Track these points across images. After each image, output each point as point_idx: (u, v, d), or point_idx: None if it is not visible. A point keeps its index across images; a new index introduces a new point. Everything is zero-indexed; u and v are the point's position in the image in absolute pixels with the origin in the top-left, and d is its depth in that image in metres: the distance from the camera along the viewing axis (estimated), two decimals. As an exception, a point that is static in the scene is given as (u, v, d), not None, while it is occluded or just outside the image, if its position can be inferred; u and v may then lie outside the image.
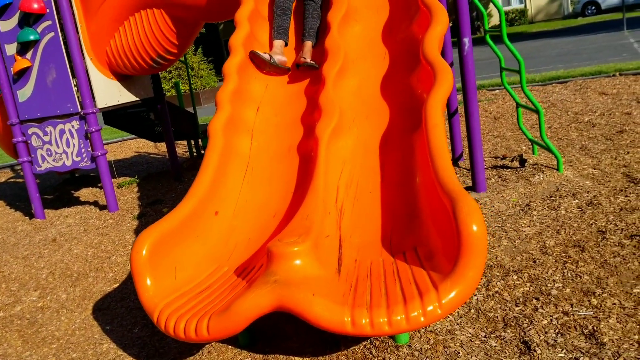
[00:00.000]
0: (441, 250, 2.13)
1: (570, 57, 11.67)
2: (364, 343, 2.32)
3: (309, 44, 3.50)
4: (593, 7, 27.47)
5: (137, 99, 5.63)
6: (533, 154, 4.69)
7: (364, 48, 3.29)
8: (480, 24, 28.03)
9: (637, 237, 2.90)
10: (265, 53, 3.43)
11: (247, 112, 3.21)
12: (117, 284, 3.54)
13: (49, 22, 5.02)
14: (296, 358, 2.32)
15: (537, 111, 4.11)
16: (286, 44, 3.60)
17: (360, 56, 3.25)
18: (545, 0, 30.86)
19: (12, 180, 8.32)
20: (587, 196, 3.60)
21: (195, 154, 7.43)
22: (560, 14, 30.73)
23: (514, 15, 30.31)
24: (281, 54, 3.51)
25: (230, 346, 2.47)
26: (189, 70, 15.28)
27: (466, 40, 3.75)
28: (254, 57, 3.43)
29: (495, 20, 31.19)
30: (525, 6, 30.85)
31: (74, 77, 5.07)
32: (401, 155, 2.78)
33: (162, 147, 8.90)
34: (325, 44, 3.22)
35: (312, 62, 3.38)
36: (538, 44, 16.35)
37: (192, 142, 7.40)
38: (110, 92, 5.30)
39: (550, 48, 14.54)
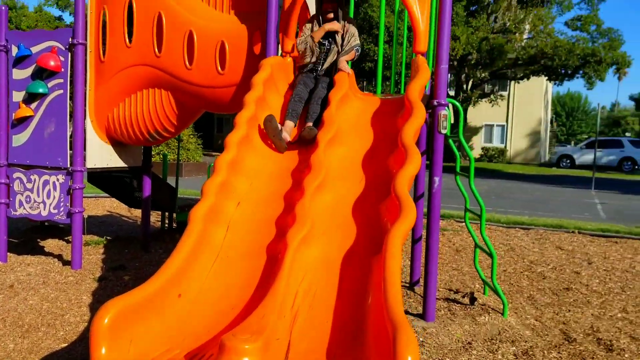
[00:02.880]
0: (377, 373, 2.31)
1: (537, 205, 12.31)
2: None
3: (309, 124, 3.98)
4: (568, 161, 29.09)
5: (125, 165, 5.88)
6: (484, 294, 4.96)
7: (345, 168, 3.62)
8: (464, 155, 29.34)
9: (561, 393, 3.12)
10: (279, 124, 3.89)
11: (229, 204, 3.46)
12: (66, 344, 3.59)
13: (60, 80, 5.33)
14: None
15: (491, 255, 4.43)
16: (295, 126, 4.03)
17: (339, 175, 3.57)
18: (525, 145, 32.64)
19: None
20: (525, 346, 3.84)
21: (167, 226, 7.59)
22: (537, 160, 32.42)
23: (494, 152, 31.88)
24: (288, 133, 3.96)
25: None
26: (175, 142, 15.66)
27: (436, 179, 4.12)
28: (268, 121, 3.82)
29: (475, 154, 32.68)
30: (506, 146, 32.54)
31: (70, 134, 5.32)
32: (360, 274, 3.02)
33: (135, 211, 9.02)
34: (310, 159, 3.54)
35: (312, 127, 3.88)
36: (511, 185, 17.19)
37: (167, 215, 7.57)
38: (101, 155, 5.54)
39: (521, 192, 15.30)
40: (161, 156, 13.48)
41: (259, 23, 4.62)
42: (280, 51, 4.48)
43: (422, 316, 4.27)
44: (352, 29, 4.37)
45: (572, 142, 55.84)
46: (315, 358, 2.59)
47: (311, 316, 2.86)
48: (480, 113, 31.92)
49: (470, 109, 29.51)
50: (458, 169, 4.82)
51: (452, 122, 4.53)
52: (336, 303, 2.94)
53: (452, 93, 29.26)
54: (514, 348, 3.79)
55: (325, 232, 3.28)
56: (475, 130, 33.27)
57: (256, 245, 3.33)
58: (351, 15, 5.18)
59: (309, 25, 4.37)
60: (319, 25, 4.33)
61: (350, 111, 4.00)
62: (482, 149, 32.64)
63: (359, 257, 3.14)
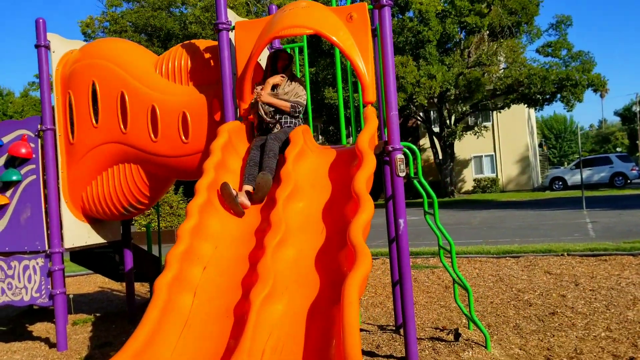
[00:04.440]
0: (338, 423, 2.34)
1: (529, 231, 12.34)
2: None
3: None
4: (560, 183, 29.21)
5: (105, 241, 5.95)
6: (468, 328, 4.97)
7: (305, 222, 3.71)
8: (453, 188, 29.48)
9: (540, 422, 3.12)
10: (234, 190, 3.96)
11: (195, 270, 3.52)
12: None
13: (33, 166, 5.48)
14: None
15: (466, 289, 4.47)
16: (254, 189, 4.09)
17: (300, 229, 3.65)
18: (516, 172, 32.82)
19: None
20: (507, 377, 3.84)
21: (155, 296, 7.58)
22: (530, 186, 32.53)
23: (486, 183, 32.02)
24: (246, 198, 4.03)
25: None
26: (165, 209, 15.75)
27: (401, 221, 4.20)
28: (223, 189, 3.92)
29: (467, 187, 32.87)
30: (497, 175, 32.71)
31: (47, 217, 5.42)
32: (324, 325, 3.06)
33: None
34: (270, 217, 3.63)
35: (265, 172, 4.02)
36: (503, 214, 17.23)
37: (154, 285, 7.58)
38: (79, 234, 5.62)
39: (513, 219, 15.34)
40: (154, 225, 13.58)
41: (216, 92, 4.80)
42: (238, 115, 4.64)
43: (406, 359, 4.27)
44: (298, 89, 4.53)
45: (565, 163, 56.20)
46: (281, 415, 2.62)
47: (279, 373, 2.89)
48: (467, 145, 32.23)
49: (457, 142, 29.82)
50: (426, 208, 4.91)
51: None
52: (303, 356, 2.97)
53: (436, 129, 29.66)
54: (497, 381, 3.79)
55: (289, 286, 3.34)
56: (465, 163, 33.52)
57: (225, 308, 3.38)
58: (301, 65, 5.37)
59: (258, 88, 4.54)
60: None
61: (307, 165, 4.12)
62: (474, 180, 32.80)
63: (323, 308, 3.18)
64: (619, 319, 4.98)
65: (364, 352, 4.57)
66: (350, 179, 3.77)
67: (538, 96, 25.30)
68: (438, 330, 5.06)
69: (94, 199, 5.47)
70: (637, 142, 59.50)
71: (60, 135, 5.52)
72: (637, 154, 57.70)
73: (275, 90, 4.52)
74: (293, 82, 4.56)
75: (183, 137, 4.92)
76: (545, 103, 26.06)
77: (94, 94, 5.34)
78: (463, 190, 32.94)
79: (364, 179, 3.47)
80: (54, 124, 5.47)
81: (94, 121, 5.32)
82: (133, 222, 17.53)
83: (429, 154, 30.28)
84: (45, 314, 7.24)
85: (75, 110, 5.44)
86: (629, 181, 27.86)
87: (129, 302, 6.40)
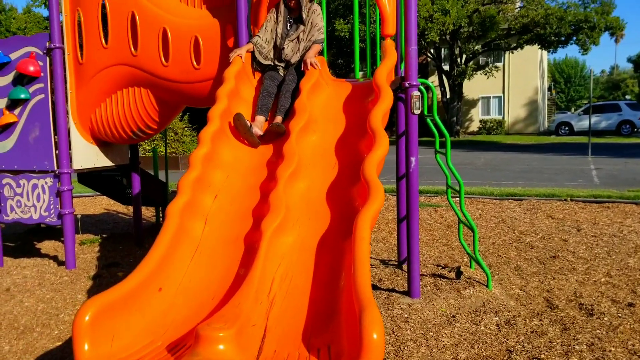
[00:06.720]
0: (347, 352, 2.41)
1: (533, 175, 12.36)
2: None
3: (279, 118, 4.06)
4: (566, 128, 29.04)
5: (113, 164, 5.96)
6: (470, 267, 5.05)
7: (317, 156, 3.70)
8: (459, 128, 29.32)
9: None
10: (248, 121, 3.92)
11: (206, 198, 3.54)
12: (60, 343, 3.71)
13: (41, 85, 5.40)
14: None
15: (472, 229, 4.51)
16: (266, 120, 4.12)
17: (312, 162, 3.65)
18: (523, 114, 32.54)
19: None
20: (507, 315, 3.93)
21: (162, 219, 7.68)
22: (536, 129, 32.34)
23: (492, 124, 31.82)
24: (260, 128, 4.02)
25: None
26: (170, 135, 15.73)
27: (413, 159, 4.18)
28: (237, 119, 3.88)
29: (473, 127, 32.68)
30: (504, 117, 32.46)
31: (55, 138, 5.40)
32: (333, 258, 3.11)
33: (132, 207, 9.13)
34: (283, 149, 3.62)
35: (279, 123, 3.94)
36: (508, 157, 17.22)
37: (161, 209, 7.68)
38: (87, 156, 5.62)
39: (517, 162, 15.34)
40: (159, 151, 13.59)
41: (230, 16, 4.66)
42: (252, 42, 4.52)
43: (408, 293, 4.37)
44: (316, 19, 4.37)
45: (572, 109, 55.60)
46: (290, 341, 2.69)
47: (288, 301, 2.95)
48: (476, 86, 31.82)
49: (466, 82, 29.42)
50: (437, 147, 4.88)
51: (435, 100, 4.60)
52: (312, 287, 3.03)
53: (446, 68, 29.17)
54: (497, 318, 3.88)
55: (300, 218, 3.36)
56: (472, 103, 33.20)
57: (235, 236, 3.42)
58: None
59: (270, 16, 4.39)
60: (282, 14, 4.37)
61: (322, 98, 4.06)
62: (480, 121, 32.58)
63: (333, 241, 3.22)
64: (619, 265, 5.05)
65: (367, 285, 4.65)
66: (365, 114, 3.72)
67: (553, 38, 24.72)
68: (440, 268, 5.14)
69: (103, 122, 5.43)
70: (648, 90, 58.51)
71: (69, 55, 5.42)
72: (647, 103, 56.89)
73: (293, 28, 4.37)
74: (310, 10, 4.38)
75: (195, 63, 4.82)
76: (560, 45, 25.50)
77: (104, 13, 5.20)
78: (469, 130, 32.78)
79: (380, 114, 3.42)
80: (62, 42, 5.35)
81: (103, 41, 5.21)
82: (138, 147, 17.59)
83: (437, 92, 29.92)
84: (52, 232, 7.36)
85: (85, 29, 5.31)
86: (636, 129, 27.67)
87: (136, 224, 6.48)
